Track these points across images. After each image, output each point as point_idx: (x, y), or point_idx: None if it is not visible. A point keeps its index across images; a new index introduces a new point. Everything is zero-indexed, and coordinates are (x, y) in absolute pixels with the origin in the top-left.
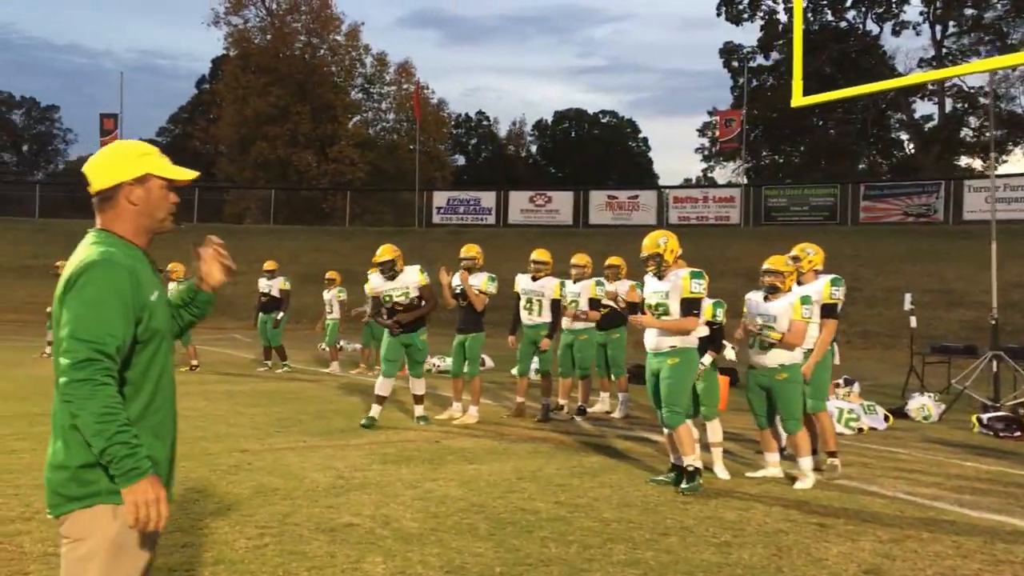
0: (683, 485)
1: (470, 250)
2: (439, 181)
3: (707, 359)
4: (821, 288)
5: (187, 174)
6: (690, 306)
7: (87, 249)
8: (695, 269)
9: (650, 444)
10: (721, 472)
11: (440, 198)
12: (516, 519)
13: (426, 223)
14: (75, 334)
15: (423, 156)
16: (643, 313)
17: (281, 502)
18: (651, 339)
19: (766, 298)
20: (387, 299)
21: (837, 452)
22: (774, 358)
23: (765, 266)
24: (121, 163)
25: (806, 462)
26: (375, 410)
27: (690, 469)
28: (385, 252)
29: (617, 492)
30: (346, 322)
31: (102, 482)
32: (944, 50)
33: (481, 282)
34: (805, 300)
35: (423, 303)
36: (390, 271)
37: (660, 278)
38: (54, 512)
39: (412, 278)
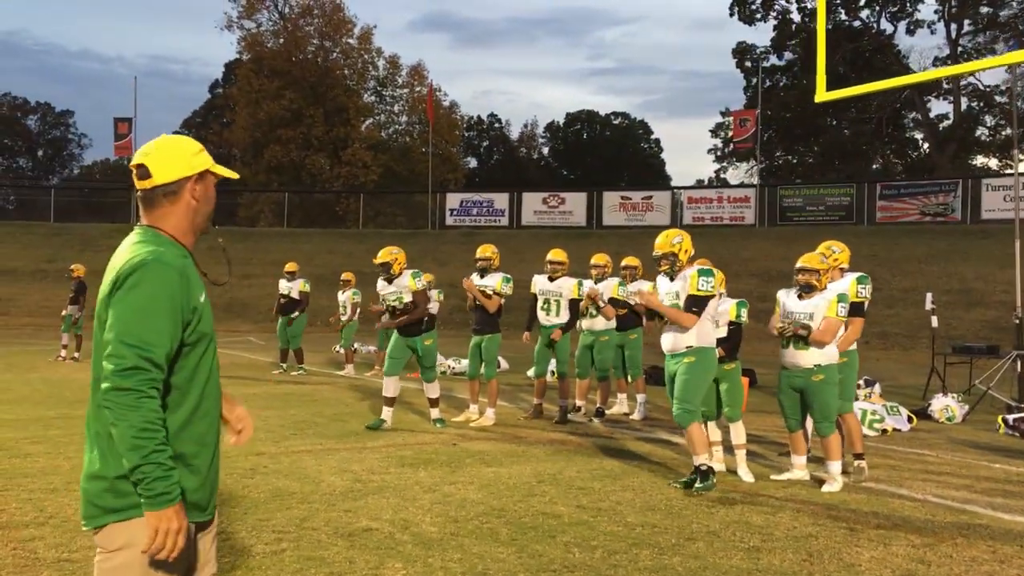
0: (697, 485)
1: (485, 250)
2: (452, 183)
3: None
4: (847, 286)
5: (235, 174)
6: (693, 303)
7: (135, 248)
8: (704, 267)
9: (671, 447)
10: (745, 475)
11: (453, 200)
12: (538, 523)
13: (439, 225)
14: (122, 338)
15: (436, 158)
16: (655, 319)
17: (298, 506)
18: (667, 341)
19: (800, 296)
20: (383, 302)
21: (864, 454)
22: (809, 358)
23: (799, 264)
24: (185, 157)
25: (836, 466)
26: (386, 412)
27: (703, 468)
28: (382, 255)
29: (640, 496)
30: (362, 324)
31: None
32: (959, 48)
33: (496, 283)
34: (842, 298)
35: (417, 308)
36: (387, 274)
37: (672, 278)
38: (90, 524)
39: (404, 282)
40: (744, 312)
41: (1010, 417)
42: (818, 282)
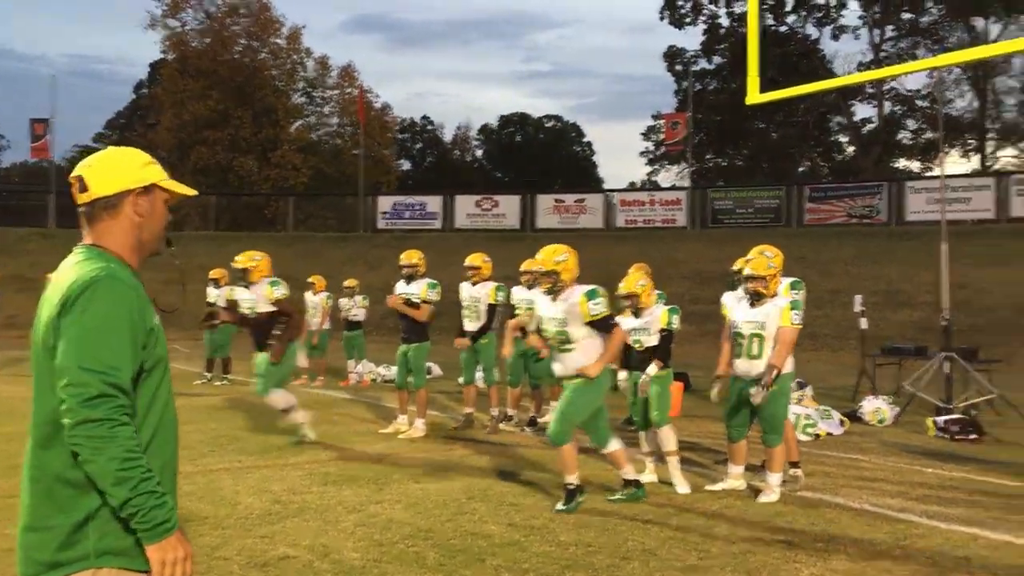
0: (559, 506)
1: (411, 256)
2: (384, 186)
3: (652, 369)
4: (781, 291)
5: (190, 190)
6: (603, 324)
7: (81, 267)
8: (589, 287)
9: (604, 458)
10: (680, 486)
11: (385, 203)
12: (467, 545)
13: (371, 228)
14: (82, 364)
15: (367, 161)
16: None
17: (211, 532)
18: (559, 366)
19: (751, 304)
20: (236, 308)
21: (799, 462)
22: (762, 368)
23: (747, 271)
24: (127, 169)
25: (776, 477)
26: (300, 421)
27: (570, 487)
28: (241, 259)
29: (574, 512)
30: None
31: (89, 542)
32: (882, 54)
33: (421, 290)
34: (795, 305)
35: (282, 319)
36: (245, 280)
37: (554, 299)
38: None
39: (262, 291)
40: (676, 319)
41: (939, 419)
42: (766, 289)
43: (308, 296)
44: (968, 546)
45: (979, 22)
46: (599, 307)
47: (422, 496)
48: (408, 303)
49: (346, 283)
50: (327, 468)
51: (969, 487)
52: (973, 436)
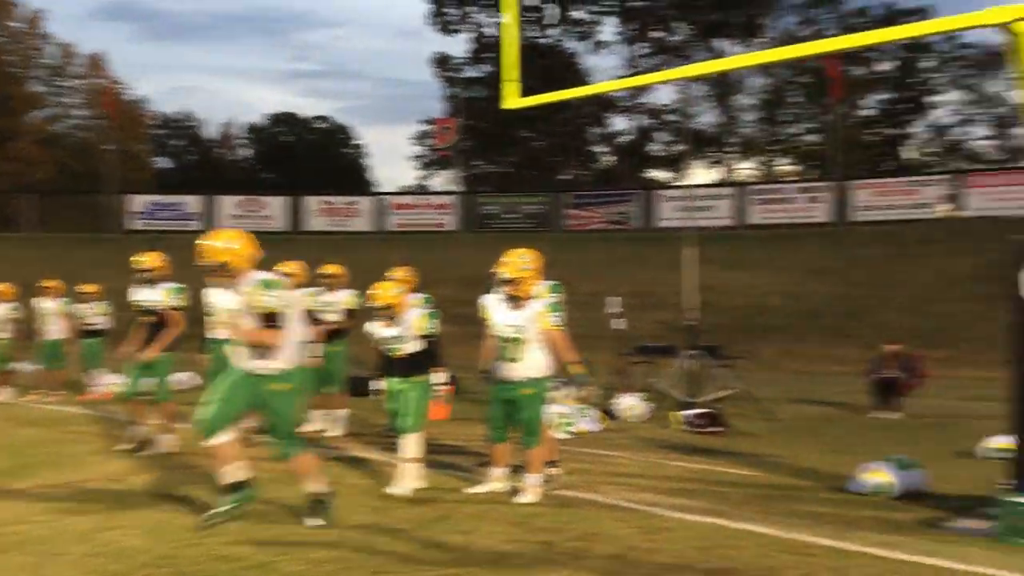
0: (310, 521)
1: (148, 260)
2: (140, 184)
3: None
4: (542, 294)
5: None
6: (265, 320)
7: None
8: (266, 278)
9: (366, 467)
10: (398, 489)
11: (139, 202)
12: (213, 570)
13: (123, 229)
14: None
15: (119, 156)
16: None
17: None
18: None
19: (511, 307)
20: None
21: (558, 461)
22: (521, 371)
23: (503, 275)
24: None
25: (536, 478)
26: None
27: (316, 499)
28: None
29: (330, 527)
30: (24, 340)
31: None
32: (636, 69)
33: (163, 295)
34: (555, 308)
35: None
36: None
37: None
38: None
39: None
40: (435, 324)
41: (686, 413)
42: (521, 291)
43: (42, 302)
44: (711, 536)
45: (723, 44)
46: (270, 300)
47: (164, 520)
48: (149, 312)
49: (82, 288)
50: (57, 492)
51: (713, 479)
52: (718, 429)
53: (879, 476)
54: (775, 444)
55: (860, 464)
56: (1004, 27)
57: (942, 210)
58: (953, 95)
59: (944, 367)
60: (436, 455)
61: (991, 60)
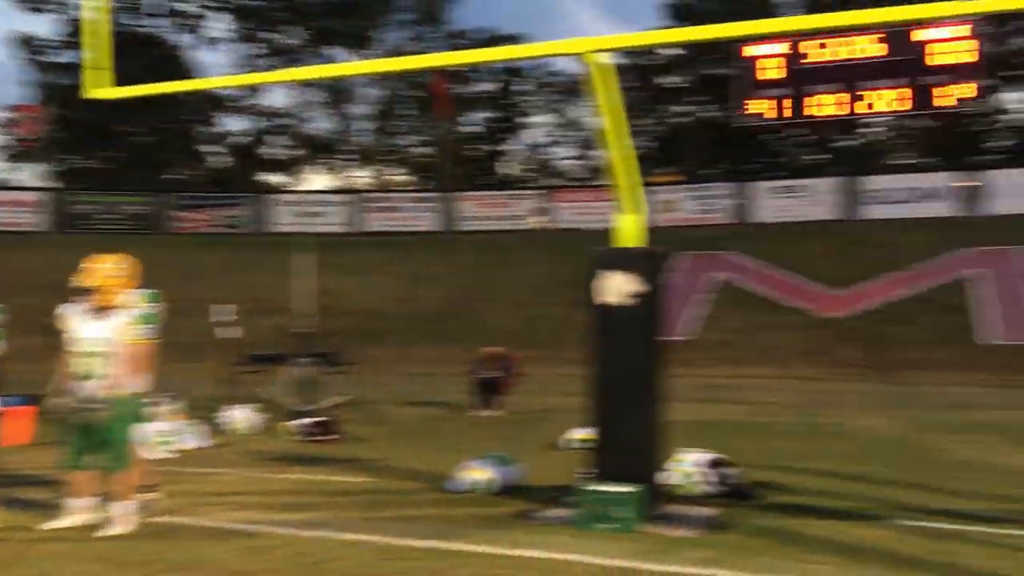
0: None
1: None
2: None
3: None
4: (136, 303)
5: None
6: None
7: None
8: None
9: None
10: None
11: None
12: None
13: None
14: None
15: None
16: None
17: None
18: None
19: (95, 318)
20: None
21: (157, 485)
22: (100, 389)
23: (84, 284)
24: None
25: (127, 506)
26: None
27: None
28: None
29: None
30: None
31: None
32: (251, 69)
33: None
34: (148, 319)
35: None
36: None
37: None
38: None
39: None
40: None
41: (299, 422)
42: (106, 301)
43: None
44: (315, 552)
45: (336, 51)
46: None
47: None
48: None
49: None
50: None
51: (323, 489)
52: (332, 437)
53: (479, 474)
54: (386, 448)
55: (461, 463)
56: (580, 57)
57: (535, 222)
58: (545, 117)
59: (538, 366)
60: (9, 487)
61: (574, 87)
